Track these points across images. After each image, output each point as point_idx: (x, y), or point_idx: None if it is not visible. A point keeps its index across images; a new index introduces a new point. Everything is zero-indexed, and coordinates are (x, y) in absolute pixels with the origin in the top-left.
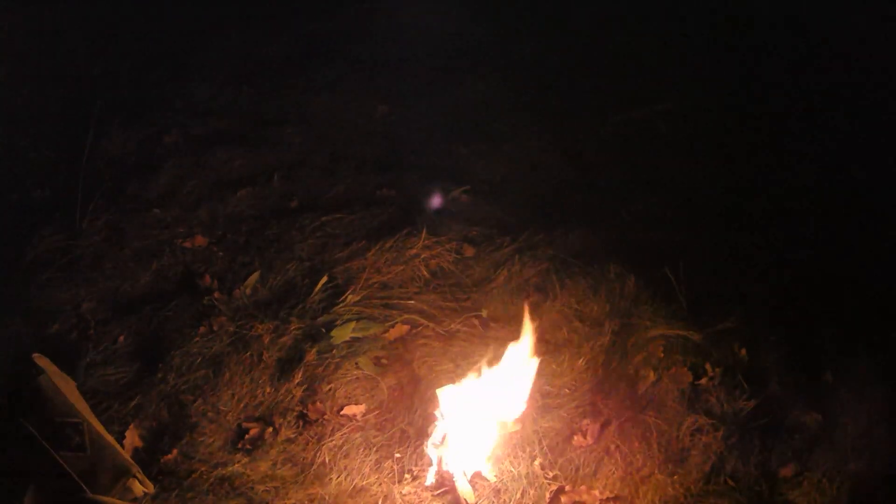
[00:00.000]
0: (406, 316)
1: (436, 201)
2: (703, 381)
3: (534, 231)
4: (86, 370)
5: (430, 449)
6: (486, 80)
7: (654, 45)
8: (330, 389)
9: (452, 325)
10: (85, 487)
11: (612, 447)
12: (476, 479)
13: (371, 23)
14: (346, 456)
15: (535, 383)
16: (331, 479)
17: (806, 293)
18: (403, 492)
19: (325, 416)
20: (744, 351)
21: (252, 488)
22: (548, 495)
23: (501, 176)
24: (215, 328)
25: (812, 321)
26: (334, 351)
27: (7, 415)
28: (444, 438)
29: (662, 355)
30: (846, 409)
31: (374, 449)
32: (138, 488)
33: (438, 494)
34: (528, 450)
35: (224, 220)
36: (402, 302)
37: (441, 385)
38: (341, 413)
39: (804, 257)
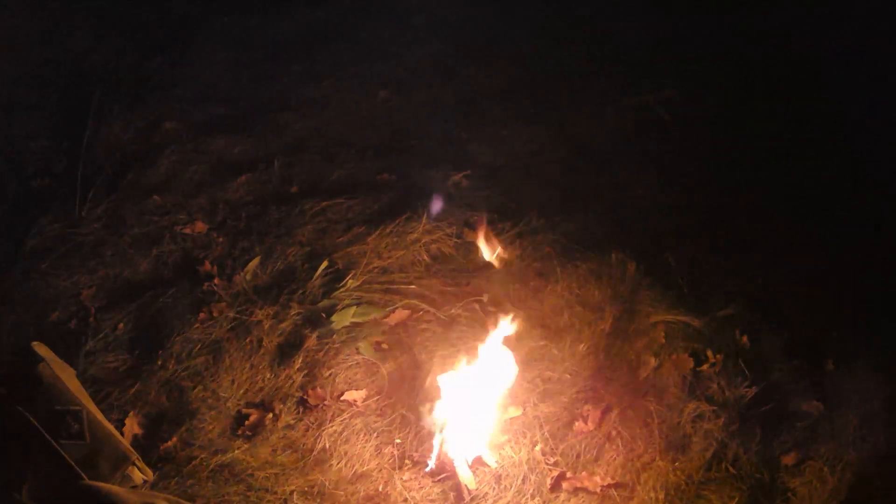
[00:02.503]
0: (407, 301)
1: (437, 186)
2: (705, 367)
3: (535, 216)
4: (85, 358)
5: (431, 434)
6: (487, 66)
7: (657, 31)
8: (330, 375)
9: (453, 310)
10: (84, 475)
11: (614, 433)
12: (477, 465)
13: (372, 8)
14: (347, 442)
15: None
16: (331, 465)
17: (807, 280)
18: (404, 478)
19: (326, 402)
20: (745, 338)
21: (252, 475)
22: (549, 481)
23: (502, 161)
24: (215, 314)
25: (814, 309)
26: (334, 336)
27: (6, 403)
28: (444, 424)
29: (664, 341)
30: (848, 397)
31: (375, 434)
32: (138, 476)
33: (439, 480)
34: (528, 435)
35: (224, 205)
36: (402, 287)
37: (442, 370)
38: (341, 398)
39: (806, 245)
